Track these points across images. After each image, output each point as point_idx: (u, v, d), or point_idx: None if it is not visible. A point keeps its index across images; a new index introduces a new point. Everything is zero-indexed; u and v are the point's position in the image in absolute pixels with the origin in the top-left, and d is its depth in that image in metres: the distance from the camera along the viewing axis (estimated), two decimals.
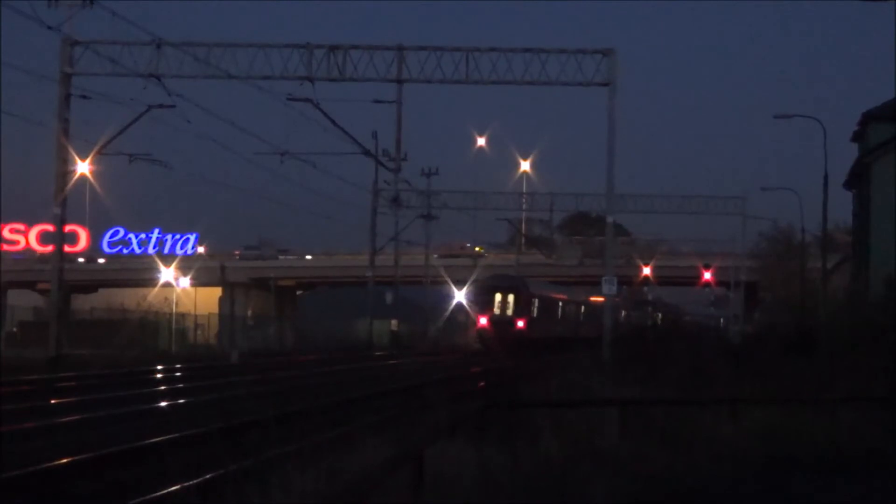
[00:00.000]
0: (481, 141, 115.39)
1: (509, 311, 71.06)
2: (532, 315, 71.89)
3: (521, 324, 70.17)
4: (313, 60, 51.78)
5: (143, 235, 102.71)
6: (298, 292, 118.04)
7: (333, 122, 55.69)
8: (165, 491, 14.14)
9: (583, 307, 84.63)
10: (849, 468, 16.38)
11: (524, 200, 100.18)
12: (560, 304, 79.95)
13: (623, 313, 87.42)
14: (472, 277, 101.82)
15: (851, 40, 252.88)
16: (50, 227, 59.05)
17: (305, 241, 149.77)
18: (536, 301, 73.18)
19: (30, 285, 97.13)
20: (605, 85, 52.21)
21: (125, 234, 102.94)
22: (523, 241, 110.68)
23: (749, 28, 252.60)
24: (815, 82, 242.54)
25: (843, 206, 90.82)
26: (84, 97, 50.67)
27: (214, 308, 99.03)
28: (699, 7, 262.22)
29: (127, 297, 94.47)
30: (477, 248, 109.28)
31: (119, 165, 58.96)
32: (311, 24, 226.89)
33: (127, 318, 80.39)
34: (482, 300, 73.35)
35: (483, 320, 71.72)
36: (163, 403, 28.40)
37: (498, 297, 71.84)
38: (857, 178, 52.60)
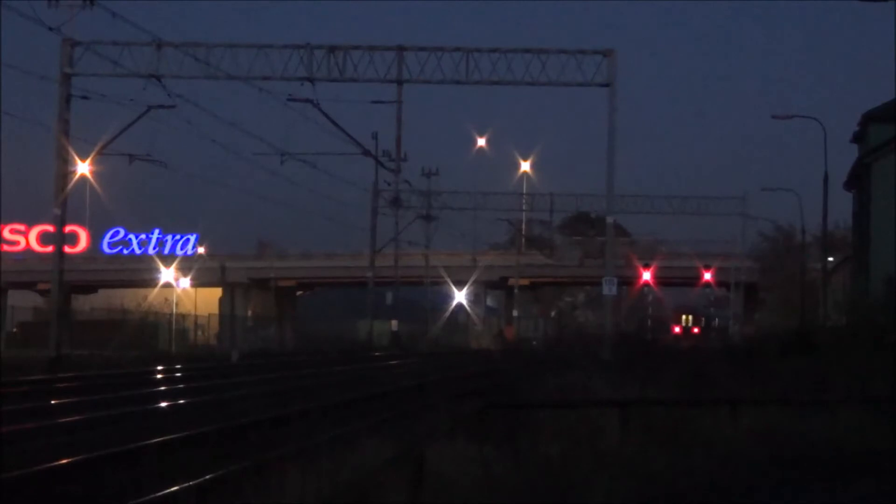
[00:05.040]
0: (481, 141, 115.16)
1: (690, 324, 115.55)
2: (702, 325, 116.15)
3: (696, 330, 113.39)
4: (313, 61, 51.81)
5: (143, 236, 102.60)
6: (298, 293, 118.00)
7: (334, 122, 55.81)
8: (165, 491, 14.14)
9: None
10: (849, 469, 16.36)
11: (524, 201, 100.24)
12: (716, 318, 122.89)
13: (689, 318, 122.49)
14: (473, 278, 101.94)
15: (851, 40, 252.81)
16: (50, 228, 59.08)
17: (305, 242, 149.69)
18: (703, 318, 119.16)
19: (30, 285, 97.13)
20: (605, 85, 52.25)
21: (125, 235, 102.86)
22: (523, 241, 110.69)
23: (749, 28, 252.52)
24: (815, 82, 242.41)
25: (843, 207, 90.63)
26: (84, 97, 50.71)
27: (214, 308, 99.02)
28: (699, 7, 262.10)
29: (127, 298, 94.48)
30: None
31: (119, 165, 59.01)
32: (311, 24, 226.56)
33: (127, 318, 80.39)
34: (676, 318, 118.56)
35: (676, 329, 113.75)
36: (163, 404, 28.40)
37: (683, 316, 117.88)
38: (858, 179, 52.63)
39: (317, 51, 51.97)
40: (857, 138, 53.78)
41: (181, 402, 29.06)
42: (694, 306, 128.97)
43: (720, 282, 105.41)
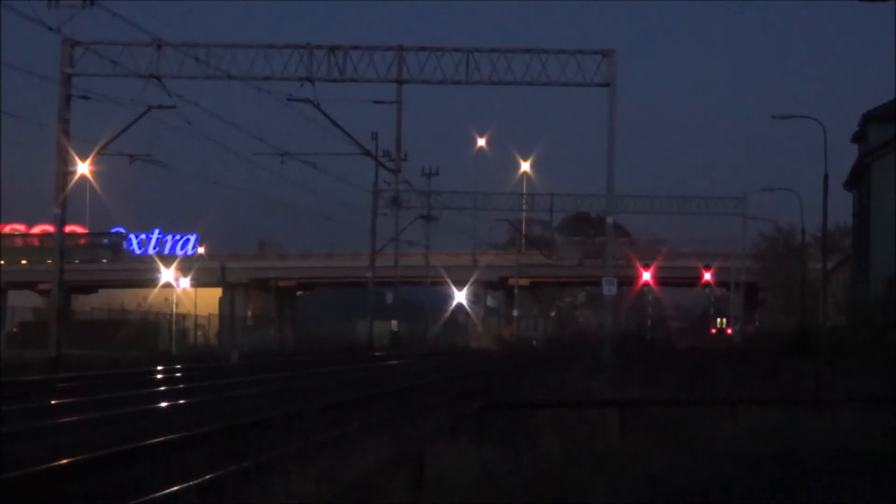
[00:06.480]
0: (481, 141, 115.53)
1: (724, 325, 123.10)
2: (734, 326, 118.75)
3: (729, 331, 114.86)
4: (313, 61, 51.77)
5: (143, 236, 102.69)
6: (298, 293, 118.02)
7: (334, 122, 55.70)
8: (165, 492, 14.14)
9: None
10: (849, 469, 16.36)
11: (524, 201, 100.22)
12: None
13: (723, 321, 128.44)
14: (473, 278, 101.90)
15: (851, 40, 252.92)
16: (50, 228, 59.04)
17: (305, 242, 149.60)
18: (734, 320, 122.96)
19: (30, 286, 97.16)
20: (605, 85, 52.19)
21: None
22: (523, 241, 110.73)
23: (749, 28, 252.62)
24: (815, 82, 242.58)
25: (843, 207, 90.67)
26: (84, 97, 50.67)
27: (214, 309, 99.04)
28: (699, 7, 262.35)
29: (127, 298, 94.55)
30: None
31: (119, 165, 59.03)
32: (311, 24, 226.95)
33: (127, 318, 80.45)
34: (712, 321, 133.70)
35: (713, 330, 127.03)
36: (163, 404, 28.41)
37: (718, 319, 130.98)
38: (858, 179, 52.66)
39: (317, 51, 51.94)
40: (857, 138, 53.79)
41: (181, 402, 29.07)
42: (728, 308, 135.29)
43: (720, 282, 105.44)
